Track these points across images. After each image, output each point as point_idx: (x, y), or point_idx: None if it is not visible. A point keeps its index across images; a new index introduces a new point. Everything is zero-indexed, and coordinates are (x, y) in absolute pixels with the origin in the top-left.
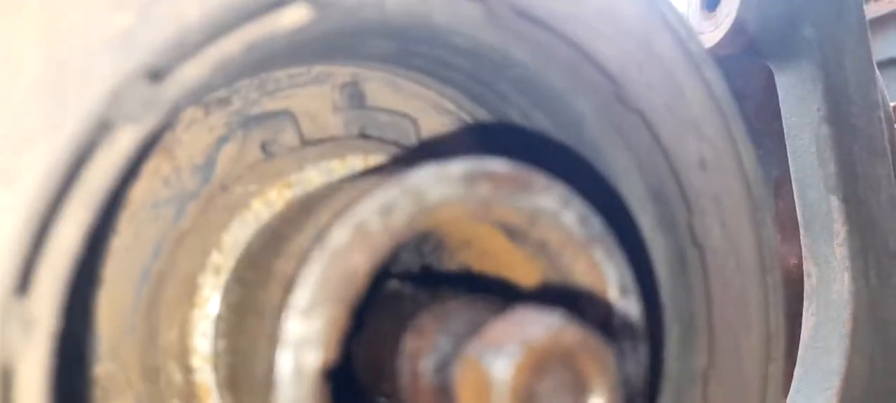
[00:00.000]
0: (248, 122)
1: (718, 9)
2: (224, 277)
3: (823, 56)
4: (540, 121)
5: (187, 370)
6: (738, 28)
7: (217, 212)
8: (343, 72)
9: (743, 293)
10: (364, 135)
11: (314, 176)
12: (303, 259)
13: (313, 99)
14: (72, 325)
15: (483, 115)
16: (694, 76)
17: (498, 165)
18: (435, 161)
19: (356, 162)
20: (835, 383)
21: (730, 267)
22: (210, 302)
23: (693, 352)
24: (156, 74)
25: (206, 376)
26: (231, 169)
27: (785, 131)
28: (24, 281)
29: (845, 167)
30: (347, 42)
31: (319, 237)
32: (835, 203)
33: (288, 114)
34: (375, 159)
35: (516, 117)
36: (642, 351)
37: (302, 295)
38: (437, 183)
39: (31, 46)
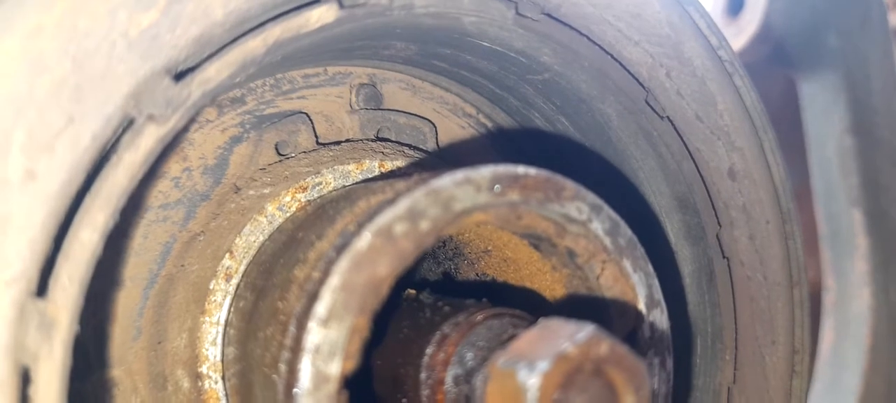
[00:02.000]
0: (262, 123)
1: (742, 15)
2: (235, 282)
3: (847, 66)
4: (563, 126)
5: (196, 377)
6: (762, 35)
7: (229, 215)
8: (360, 72)
9: (770, 307)
10: (381, 138)
11: (330, 179)
12: (325, 265)
13: (329, 99)
14: (84, 328)
15: (503, 119)
16: (725, 84)
17: (528, 172)
18: (462, 166)
19: (373, 165)
20: (852, 401)
21: (757, 280)
22: (221, 308)
23: (719, 367)
24: (179, 73)
25: (215, 384)
26: (244, 170)
27: (806, 142)
28: (44, 282)
29: (868, 179)
30: (369, 43)
31: (343, 243)
32: (857, 216)
33: (303, 115)
34: (393, 163)
35: (538, 122)
36: (669, 366)
37: (324, 303)
38: (465, 189)
39: (54, 44)
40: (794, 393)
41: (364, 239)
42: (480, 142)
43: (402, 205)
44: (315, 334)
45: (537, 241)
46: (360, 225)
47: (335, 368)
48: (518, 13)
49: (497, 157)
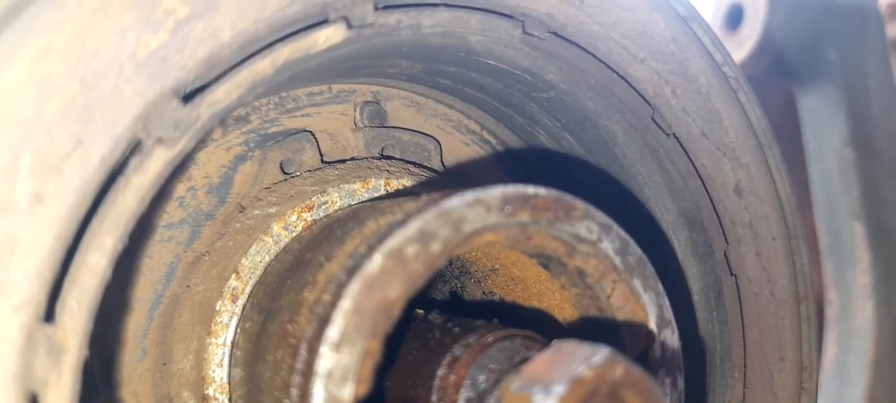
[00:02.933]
0: (267, 141)
1: (741, 28)
2: (242, 303)
3: (846, 78)
4: (568, 143)
5: (203, 399)
6: (761, 49)
7: (234, 235)
8: (364, 90)
9: (777, 324)
10: (385, 156)
11: (336, 198)
12: (336, 288)
13: (333, 117)
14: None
15: (507, 136)
16: (730, 100)
17: (538, 192)
18: (467, 184)
19: (379, 184)
20: None
21: (765, 296)
22: (228, 329)
23: (728, 386)
24: (188, 95)
25: None
26: (249, 189)
27: (806, 155)
28: (52, 307)
29: (869, 192)
30: (374, 62)
31: (354, 266)
32: (858, 229)
33: (308, 133)
34: (398, 182)
35: (543, 139)
36: (681, 386)
37: (336, 327)
38: (476, 210)
39: (63, 65)
40: None
41: (375, 262)
42: (485, 159)
43: (413, 227)
44: (327, 358)
45: (546, 261)
46: (371, 247)
47: (348, 393)
48: (525, 32)
49: (502, 175)
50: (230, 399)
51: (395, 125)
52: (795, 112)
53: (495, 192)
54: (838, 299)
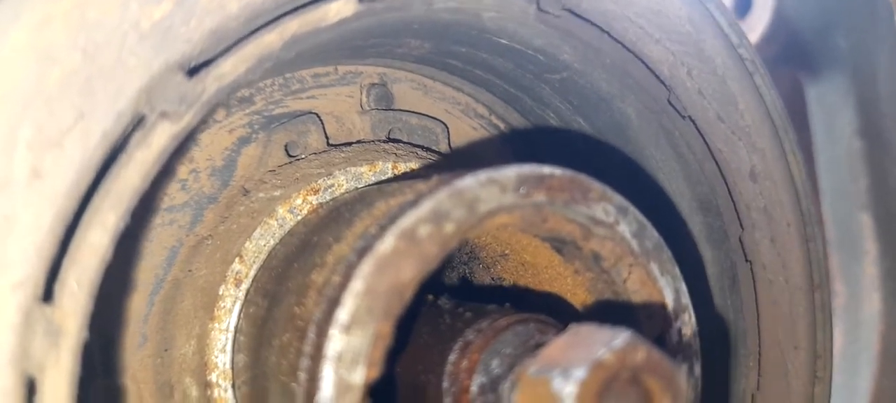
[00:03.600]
0: (271, 123)
1: (750, 15)
2: (245, 287)
3: (855, 67)
4: (580, 126)
5: (205, 385)
6: (770, 36)
7: (238, 219)
8: (371, 72)
9: (792, 311)
10: (392, 139)
11: (342, 181)
12: (346, 269)
13: (340, 99)
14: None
15: (516, 120)
16: (745, 83)
17: (554, 172)
18: (477, 169)
19: (386, 167)
20: None
21: (779, 283)
22: (231, 314)
23: (743, 373)
24: (193, 68)
25: (225, 392)
26: (253, 172)
27: (814, 145)
28: (51, 286)
29: (877, 182)
30: (383, 40)
31: (364, 246)
32: (866, 220)
33: (313, 115)
34: (406, 165)
35: (553, 122)
36: (697, 371)
37: (347, 309)
38: (490, 190)
39: (63, 36)
40: (816, 400)
41: (387, 242)
42: (494, 143)
43: (426, 207)
44: (337, 341)
45: (560, 244)
46: (382, 228)
47: (358, 376)
48: (539, 9)
49: (511, 160)
50: (233, 385)
51: (402, 108)
52: (801, 101)
53: (510, 172)
54: (845, 290)
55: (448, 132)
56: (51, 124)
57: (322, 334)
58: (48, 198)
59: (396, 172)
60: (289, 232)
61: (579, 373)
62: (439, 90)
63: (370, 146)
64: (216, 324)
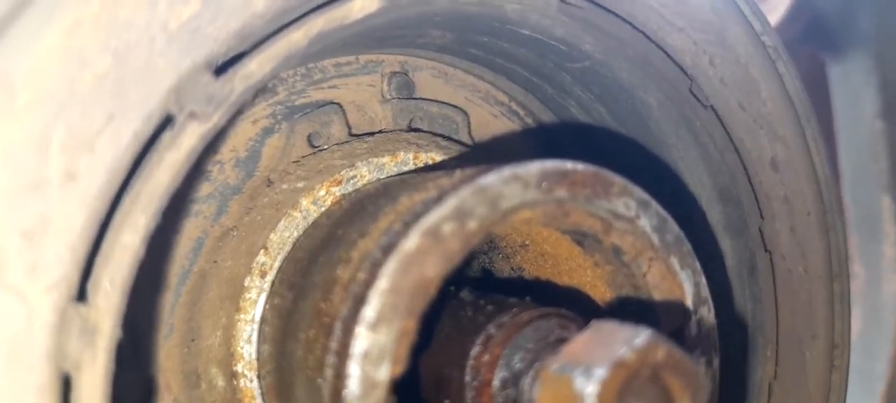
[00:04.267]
0: (294, 113)
1: None
2: (270, 279)
3: (879, 47)
4: (600, 115)
5: (231, 375)
6: (793, 15)
7: (262, 210)
8: (392, 60)
9: (810, 300)
10: (413, 128)
11: (365, 172)
12: (371, 266)
13: (361, 89)
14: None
15: (537, 108)
16: (768, 70)
17: (576, 168)
18: (496, 158)
19: (407, 158)
20: (880, 388)
21: (798, 273)
22: (256, 305)
23: (760, 363)
24: (220, 68)
25: (250, 382)
26: (277, 163)
27: (835, 126)
28: (85, 286)
29: None
30: (406, 31)
31: (389, 243)
32: (886, 202)
33: (336, 105)
34: (427, 155)
35: (574, 110)
36: (716, 364)
37: (373, 307)
38: (513, 186)
39: (95, 38)
40: (833, 388)
41: (412, 240)
42: (513, 131)
43: (450, 204)
44: (363, 339)
45: (581, 237)
46: (406, 225)
47: (384, 373)
48: (562, 0)
49: (531, 148)
50: (259, 376)
51: (423, 96)
52: (821, 82)
53: (533, 168)
54: (864, 272)
55: (469, 121)
56: (83, 126)
57: (348, 332)
58: (81, 199)
59: (418, 163)
60: (313, 223)
61: (600, 372)
62: (460, 78)
63: (392, 135)
64: (242, 315)
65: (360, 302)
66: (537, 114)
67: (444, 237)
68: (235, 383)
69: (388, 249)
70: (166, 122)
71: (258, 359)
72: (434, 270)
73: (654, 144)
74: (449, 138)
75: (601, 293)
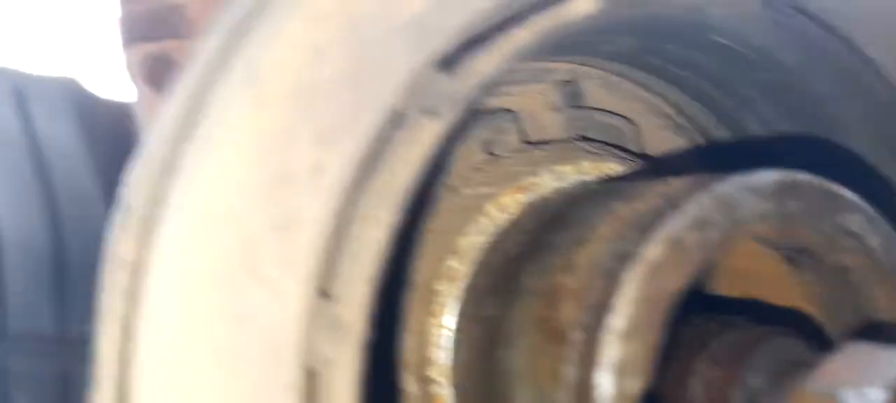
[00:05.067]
0: (469, 119)
1: None
2: (462, 285)
3: None
4: (783, 129)
5: (423, 381)
6: None
7: (448, 215)
8: (560, 69)
9: None
10: (584, 138)
11: (547, 180)
12: (611, 275)
13: (532, 97)
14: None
15: (706, 121)
16: None
17: (811, 180)
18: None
19: (589, 167)
20: None
21: None
22: (447, 310)
23: None
24: (447, 63)
25: (442, 389)
26: (457, 169)
27: None
28: (331, 282)
29: None
30: (597, 37)
31: (626, 252)
32: None
33: (510, 113)
34: (606, 165)
35: (752, 123)
36: None
37: (623, 316)
38: (749, 196)
39: (335, 29)
40: None
41: (656, 249)
42: (682, 144)
43: (690, 213)
44: (615, 348)
45: (796, 255)
46: (644, 232)
47: (635, 385)
48: (765, 6)
49: (702, 164)
50: (452, 383)
51: (592, 106)
52: None
53: (769, 177)
54: None
55: (638, 131)
56: (326, 119)
57: (593, 341)
58: (328, 193)
59: (599, 173)
60: (502, 230)
61: (877, 395)
62: (627, 88)
63: (566, 145)
64: (433, 320)
65: (601, 310)
66: (707, 129)
67: (688, 247)
68: (428, 388)
69: (624, 257)
70: (399, 119)
71: (453, 365)
72: (677, 282)
73: (850, 159)
74: (621, 148)
75: (811, 313)
